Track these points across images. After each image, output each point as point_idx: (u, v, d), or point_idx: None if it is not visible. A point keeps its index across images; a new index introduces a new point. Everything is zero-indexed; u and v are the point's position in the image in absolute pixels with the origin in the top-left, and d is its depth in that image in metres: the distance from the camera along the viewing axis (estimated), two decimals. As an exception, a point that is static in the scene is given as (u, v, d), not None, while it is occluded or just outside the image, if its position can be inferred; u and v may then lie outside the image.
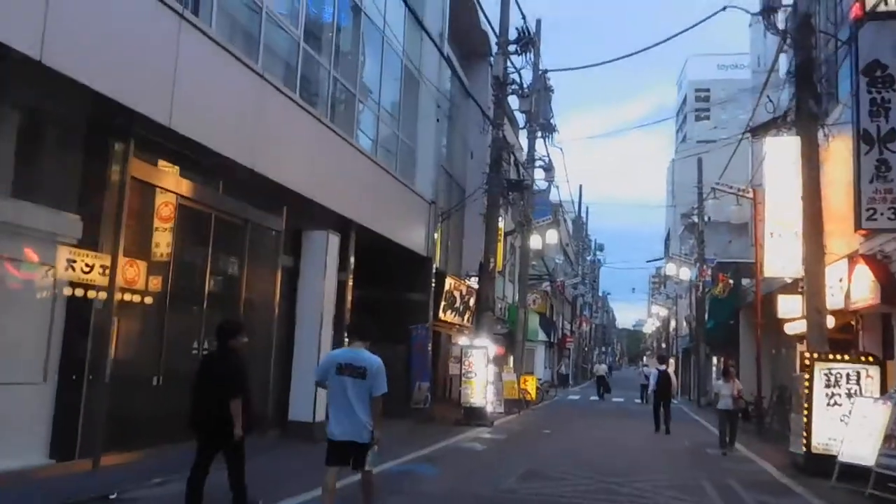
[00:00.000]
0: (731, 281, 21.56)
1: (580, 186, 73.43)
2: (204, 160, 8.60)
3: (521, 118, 20.94)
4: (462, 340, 16.47)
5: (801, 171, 12.07)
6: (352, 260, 12.77)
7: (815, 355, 10.63)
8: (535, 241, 23.81)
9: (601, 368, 34.12)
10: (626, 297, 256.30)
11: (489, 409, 15.51)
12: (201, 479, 5.53)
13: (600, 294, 73.90)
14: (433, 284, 16.42)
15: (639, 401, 27.54)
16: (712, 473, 10.09)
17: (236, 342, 5.69)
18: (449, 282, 17.67)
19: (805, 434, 10.38)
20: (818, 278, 11.54)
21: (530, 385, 21.43)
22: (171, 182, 8.56)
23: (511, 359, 23.21)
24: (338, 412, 5.21)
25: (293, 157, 10.10)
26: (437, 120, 15.90)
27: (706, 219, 30.87)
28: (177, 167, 8.63)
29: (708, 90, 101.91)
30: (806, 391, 10.47)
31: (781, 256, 16.50)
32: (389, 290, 16.18)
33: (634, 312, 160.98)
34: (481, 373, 15.53)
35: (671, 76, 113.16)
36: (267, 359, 10.32)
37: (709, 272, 23.81)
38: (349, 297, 12.67)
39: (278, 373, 10.55)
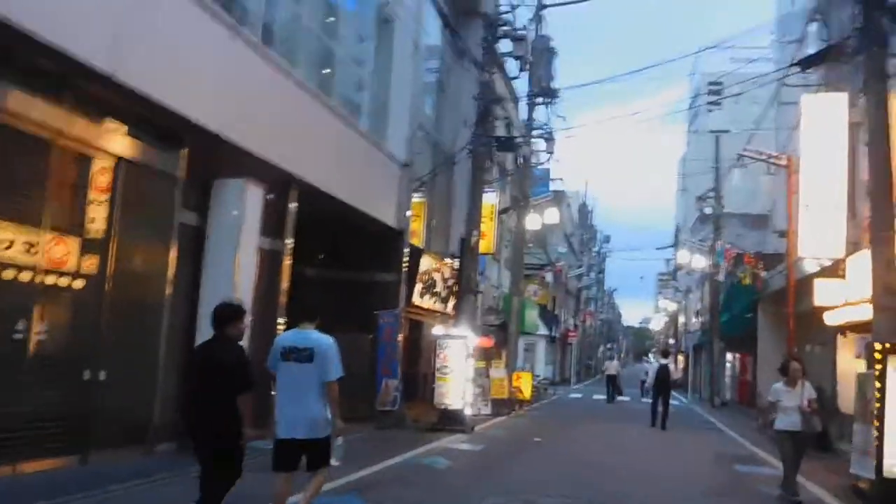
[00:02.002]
0: (760, 264, 18.83)
1: (586, 182, 70.47)
2: (26, 56, 5.94)
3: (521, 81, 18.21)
4: (436, 329, 13.86)
5: (867, 111, 9.40)
6: (290, 225, 10.17)
7: (888, 346, 8.03)
8: (533, 222, 21.13)
9: (612, 366, 27.09)
10: (632, 294, 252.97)
11: (468, 411, 12.87)
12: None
13: (606, 290, 71.03)
14: (406, 263, 13.79)
15: (645, 400, 24.89)
16: (746, 501, 7.50)
17: (235, 329, 4.85)
18: (427, 261, 15.05)
19: (875, 452, 7.79)
20: (889, 249, 8.90)
21: (524, 383, 18.78)
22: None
23: (504, 353, 20.63)
24: (284, 404, 4.69)
25: (192, 77, 7.46)
26: (387, 21, 12.93)
27: (721, 205, 28.16)
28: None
29: (721, 84, 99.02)
30: (878, 395, 7.87)
31: (819, 234, 14.01)
32: (352, 269, 13.61)
33: (641, 310, 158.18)
34: (459, 368, 12.88)
35: (682, 81, 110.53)
36: (152, 354, 7.71)
37: (734, 254, 21.07)
38: (285, 274, 10.07)
39: (171, 372, 7.91)
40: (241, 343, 4.97)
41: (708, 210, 28.59)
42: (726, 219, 28.82)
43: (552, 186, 24.39)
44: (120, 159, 7.19)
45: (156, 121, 7.40)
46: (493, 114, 13.75)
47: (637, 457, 11.09)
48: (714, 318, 27.81)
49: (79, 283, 6.90)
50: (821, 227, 13.79)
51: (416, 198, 16.11)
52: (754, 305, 23.76)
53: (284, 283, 10.03)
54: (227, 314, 4.88)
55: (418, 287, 14.82)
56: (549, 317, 37.89)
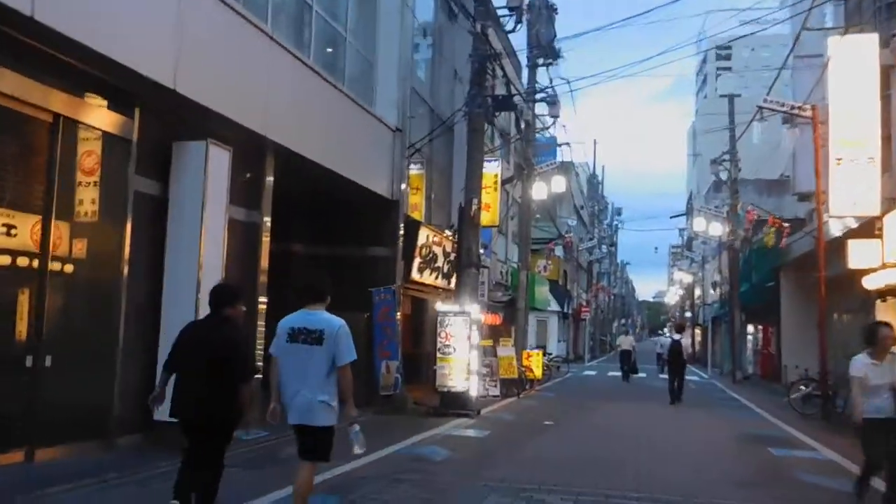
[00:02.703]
0: (786, 224, 17.72)
1: (594, 142, 69.08)
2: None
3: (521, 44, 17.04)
4: (438, 306, 12.93)
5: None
6: (268, 195, 9.23)
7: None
8: (538, 191, 20.08)
9: (626, 341, 24.37)
10: (645, 268, 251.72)
11: (473, 392, 11.97)
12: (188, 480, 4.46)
13: (619, 263, 69.83)
14: (402, 236, 12.84)
15: (663, 376, 23.82)
16: (787, 492, 6.59)
17: (235, 311, 4.67)
18: (425, 234, 14.08)
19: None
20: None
21: (534, 361, 17.88)
22: None
23: (514, 330, 19.74)
24: (291, 388, 4.42)
25: (137, 24, 6.48)
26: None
27: (738, 167, 26.92)
28: None
29: (730, 48, 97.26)
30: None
31: (853, 189, 13.02)
32: (344, 243, 12.69)
33: (655, 284, 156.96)
34: (462, 347, 11.98)
35: (691, 50, 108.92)
36: (109, 338, 6.84)
37: (755, 215, 19.92)
38: (265, 250, 9.13)
39: (134, 358, 7.06)
40: (238, 327, 4.69)
41: (724, 174, 27.35)
42: (741, 185, 27.63)
43: (558, 153, 23.22)
44: (60, 119, 6.26)
45: (100, 74, 6.45)
46: (489, 71, 12.65)
47: (658, 440, 10.17)
48: (734, 288, 26.72)
49: (15, 261, 6.02)
50: (853, 182, 12.82)
51: (415, 170, 15.20)
52: (776, 273, 22.68)
53: (264, 260, 9.10)
54: (225, 295, 4.64)
55: (417, 262, 13.88)
56: (560, 292, 36.92)
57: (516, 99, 15.95)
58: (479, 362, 12.92)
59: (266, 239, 9.17)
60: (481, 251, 17.29)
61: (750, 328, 28.67)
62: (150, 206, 7.31)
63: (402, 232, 12.84)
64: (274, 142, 8.88)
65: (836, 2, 13.25)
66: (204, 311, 7.09)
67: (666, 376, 17.27)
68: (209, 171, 7.35)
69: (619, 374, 23.63)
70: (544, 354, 20.47)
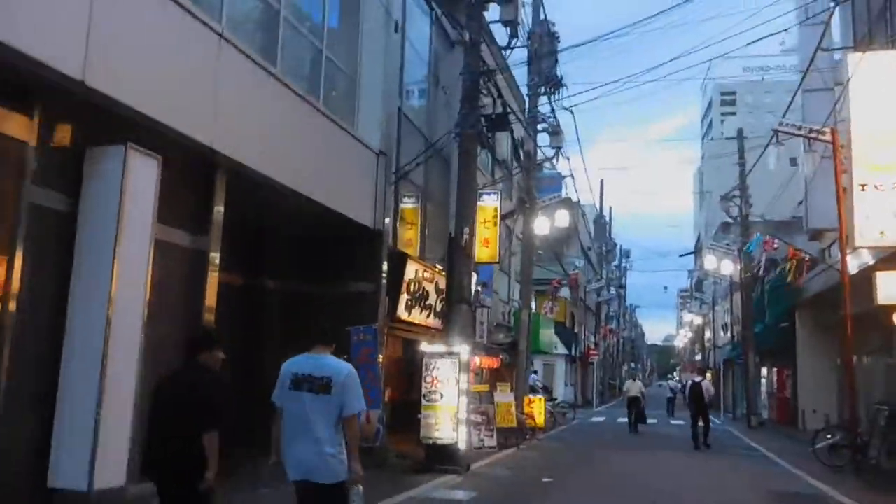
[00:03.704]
0: (806, 257, 16.44)
1: (601, 182, 68.16)
2: None
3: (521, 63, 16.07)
4: (423, 347, 11.55)
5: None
6: (217, 218, 7.97)
7: None
8: (541, 226, 18.82)
9: (634, 387, 21.26)
10: (654, 312, 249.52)
11: (462, 445, 10.48)
12: None
13: (627, 306, 68.09)
14: (386, 270, 11.56)
15: (680, 421, 22.04)
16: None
17: (210, 357, 4.24)
18: (413, 268, 12.77)
19: None
20: None
21: (536, 408, 16.37)
22: None
23: (514, 374, 18.25)
24: (293, 440, 4.05)
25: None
26: None
27: (749, 203, 25.72)
28: None
29: (734, 93, 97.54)
30: None
31: (881, 216, 11.91)
32: (323, 279, 11.42)
33: (663, 328, 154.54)
34: (450, 393, 10.56)
35: (697, 100, 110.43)
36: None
37: (776, 244, 18.58)
38: (212, 282, 7.79)
39: (21, 415, 5.70)
40: (215, 374, 4.25)
41: (734, 210, 26.12)
42: (751, 226, 26.42)
43: (563, 187, 22.06)
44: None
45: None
46: (483, 91, 11.53)
47: (675, 501, 8.65)
48: (747, 328, 25.22)
49: None
50: (881, 209, 11.73)
51: (410, 204, 14.05)
52: (791, 313, 21.35)
53: (210, 296, 7.73)
54: (199, 340, 4.36)
55: (404, 298, 12.54)
56: (567, 335, 35.42)
57: (517, 128, 14.85)
58: (471, 410, 11.46)
59: (214, 271, 7.87)
60: (479, 289, 15.99)
61: (764, 371, 27.15)
62: (53, 223, 6.03)
63: (386, 265, 11.56)
64: (225, 156, 7.67)
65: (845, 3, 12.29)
66: (112, 357, 5.88)
67: (678, 421, 15.92)
68: (128, 181, 6.09)
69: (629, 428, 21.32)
70: (549, 400, 18.92)
